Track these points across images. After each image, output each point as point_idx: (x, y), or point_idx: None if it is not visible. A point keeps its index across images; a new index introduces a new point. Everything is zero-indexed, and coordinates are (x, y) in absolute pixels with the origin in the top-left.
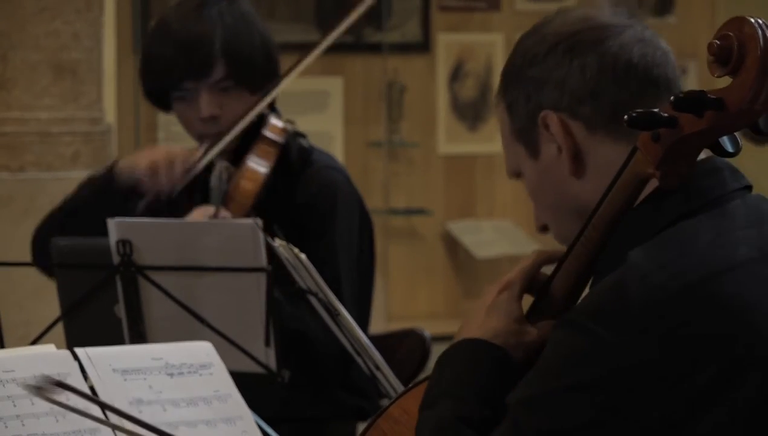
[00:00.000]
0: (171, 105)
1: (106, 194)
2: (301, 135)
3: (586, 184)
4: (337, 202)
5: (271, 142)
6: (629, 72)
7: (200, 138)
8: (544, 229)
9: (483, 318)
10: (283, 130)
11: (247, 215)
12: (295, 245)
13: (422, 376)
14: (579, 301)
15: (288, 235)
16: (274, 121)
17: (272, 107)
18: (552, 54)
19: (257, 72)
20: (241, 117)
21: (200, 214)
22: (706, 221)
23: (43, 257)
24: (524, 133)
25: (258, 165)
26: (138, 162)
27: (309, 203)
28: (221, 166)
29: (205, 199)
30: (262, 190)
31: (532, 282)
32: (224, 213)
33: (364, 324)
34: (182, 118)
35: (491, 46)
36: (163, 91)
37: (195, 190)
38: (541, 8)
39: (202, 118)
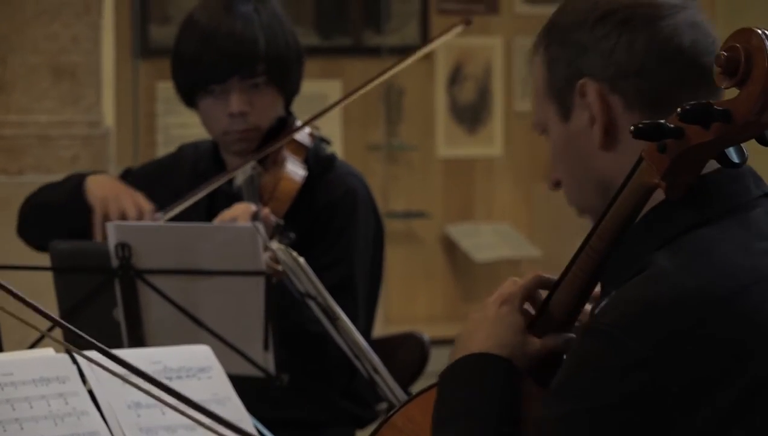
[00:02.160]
0: (196, 100)
1: (72, 204)
2: (326, 141)
3: (613, 159)
4: (357, 207)
5: (301, 146)
6: (677, 56)
7: (224, 135)
8: (556, 185)
9: (488, 331)
10: (311, 136)
11: (284, 216)
12: (310, 247)
13: (422, 380)
14: (599, 307)
15: (303, 236)
16: (301, 125)
17: (289, 111)
18: (602, 23)
19: (291, 72)
20: (270, 145)
21: (242, 210)
22: (731, 228)
23: (26, 229)
24: (559, 94)
25: (296, 167)
26: (96, 195)
27: (330, 207)
28: (249, 167)
29: (229, 200)
30: (299, 193)
31: (531, 299)
32: (265, 211)
33: (368, 329)
34: (208, 113)
35: (490, 49)
36: (195, 88)
37: (216, 192)
38: (540, 11)
39: (231, 113)
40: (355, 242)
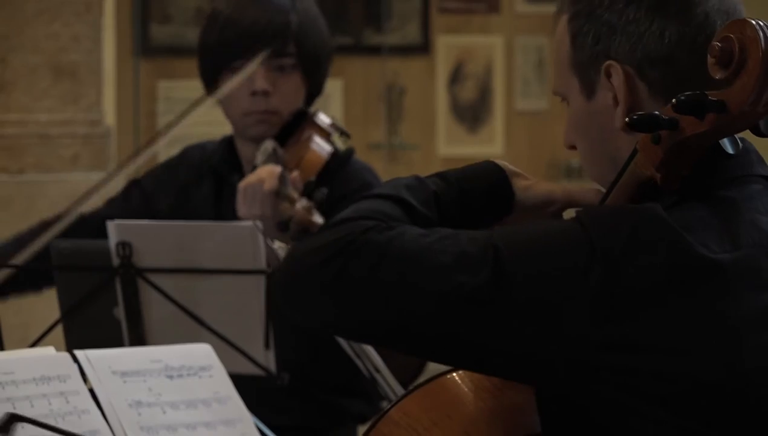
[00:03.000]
0: (220, 82)
1: None
2: (346, 133)
3: (632, 141)
4: None
5: (324, 131)
6: (707, 45)
7: (244, 116)
8: (572, 148)
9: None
10: (333, 125)
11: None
12: None
13: (422, 378)
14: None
15: None
16: (323, 116)
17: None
18: (634, 5)
19: (320, 63)
20: None
21: (267, 171)
22: (725, 198)
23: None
24: (583, 70)
25: (323, 143)
26: None
27: (345, 200)
28: (270, 144)
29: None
30: (323, 169)
31: None
32: (293, 173)
33: None
34: (230, 93)
35: (491, 48)
36: (221, 67)
37: (224, 186)
38: (541, 10)
39: (254, 91)
40: None
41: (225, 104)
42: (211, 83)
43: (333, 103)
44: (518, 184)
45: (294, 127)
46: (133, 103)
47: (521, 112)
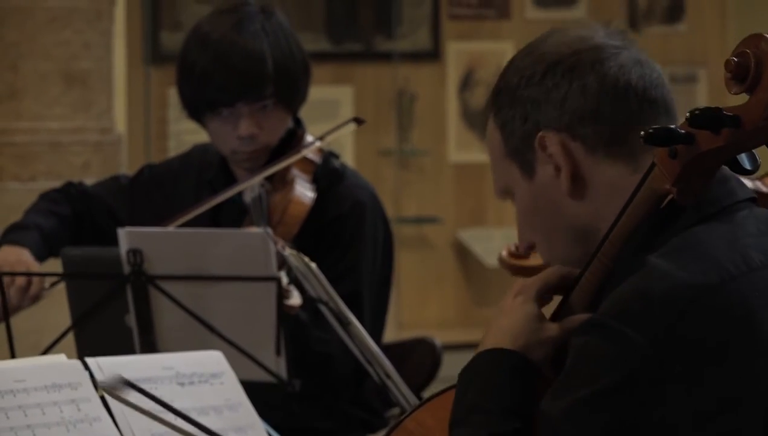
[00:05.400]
0: (203, 119)
1: None
2: (335, 155)
3: (585, 205)
4: (365, 220)
5: (310, 162)
6: (629, 93)
7: (233, 154)
8: (530, 248)
9: (502, 323)
10: (320, 151)
11: (294, 238)
12: (320, 257)
13: (433, 385)
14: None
15: (311, 249)
16: (311, 140)
17: (297, 120)
18: (551, 74)
19: (299, 90)
20: (276, 163)
21: None
22: (718, 227)
23: None
24: (518, 153)
25: (305, 189)
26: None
27: (338, 219)
28: (257, 188)
29: (236, 212)
30: (309, 213)
31: (555, 289)
32: (277, 241)
33: (378, 334)
34: (216, 133)
35: (501, 54)
36: (203, 108)
37: (223, 202)
38: (550, 16)
39: (240, 136)
40: (362, 255)
41: (213, 141)
42: (193, 115)
43: (344, 109)
44: (544, 338)
45: (284, 148)
46: (144, 110)
47: None
